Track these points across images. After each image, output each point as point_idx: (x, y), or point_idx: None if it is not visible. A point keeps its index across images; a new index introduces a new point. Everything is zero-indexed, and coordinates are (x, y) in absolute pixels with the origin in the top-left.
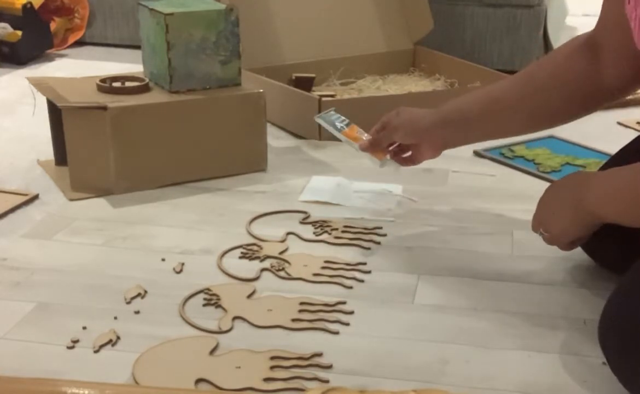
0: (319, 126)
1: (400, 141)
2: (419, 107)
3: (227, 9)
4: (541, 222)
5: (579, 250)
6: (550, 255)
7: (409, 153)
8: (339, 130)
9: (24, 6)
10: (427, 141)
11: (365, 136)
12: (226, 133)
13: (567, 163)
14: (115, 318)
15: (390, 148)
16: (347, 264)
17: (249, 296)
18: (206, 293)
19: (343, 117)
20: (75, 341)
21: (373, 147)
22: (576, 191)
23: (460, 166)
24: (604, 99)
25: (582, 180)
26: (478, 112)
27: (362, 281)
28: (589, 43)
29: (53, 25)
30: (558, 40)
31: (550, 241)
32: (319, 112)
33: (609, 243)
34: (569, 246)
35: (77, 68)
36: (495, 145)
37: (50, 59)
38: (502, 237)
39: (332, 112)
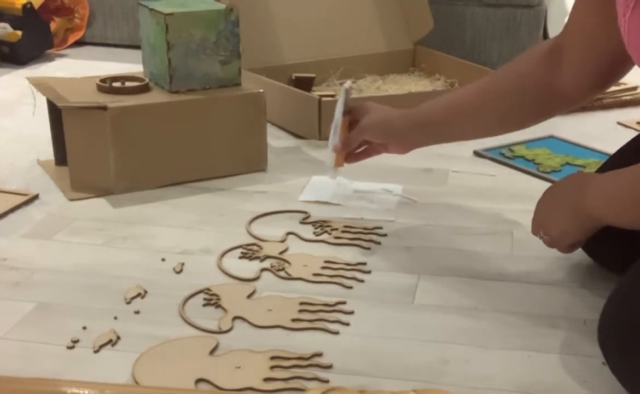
0: (319, 125)
1: (370, 139)
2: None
3: (227, 9)
4: (540, 225)
5: (578, 250)
6: (550, 255)
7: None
8: (342, 113)
9: (24, 6)
10: (396, 142)
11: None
12: (226, 133)
13: (567, 163)
14: (115, 318)
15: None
16: (347, 264)
17: (249, 296)
18: (206, 293)
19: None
20: (75, 341)
21: (345, 147)
22: (575, 194)
23: (460, 166)
24: (562, 106)
25: (581, 182)
26: (443, 117)
27: (362, 281)
28: (552, 49)
29: (53, 25)
30: None
31: (550, 243)
32: (319, 112)
33: (609, 243)
34: (569, 248)
35: (77, 68)
36: (495, 145)
37: (50, 59)
38: (502, 237)
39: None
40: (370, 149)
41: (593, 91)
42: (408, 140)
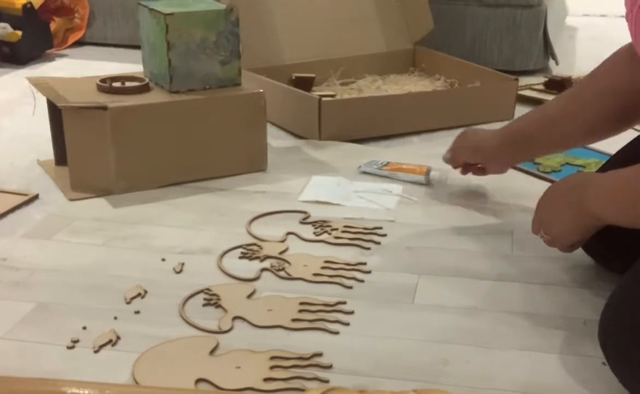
0: (319, 125)
1: (466, 160)
2: (483, 130)
3: (227, 9)
4: (541, 224)
5: (579, 250)
6: (550, 255)
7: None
8: (380, 168)
9: (24, 6)
10: (493, 161)
11: (405, 165)
12: (226, 133)
13: (567, 163)
14: (115, 318)
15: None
16: (347, 264)
17: (249, 296)
18: (206, 293)
19: (380, 161)
20: (75, 341)
21: (451, 161)
22: (575, 193)
23: None
24: None
25: (581, 182)
26: (536, 132)
27: (362, 281)
28: (630, 51)
29: (53, 25)
30: (558, 40)
31: (550, 243)
32: (319, 112)
33: (610, 243)
34: (569, 248)
35: (77, 68)
36: None
37: (50, 59)
38: (502, 237)
39: (373, 161)
40: (474, 171)
41: None
42: (504, 159)
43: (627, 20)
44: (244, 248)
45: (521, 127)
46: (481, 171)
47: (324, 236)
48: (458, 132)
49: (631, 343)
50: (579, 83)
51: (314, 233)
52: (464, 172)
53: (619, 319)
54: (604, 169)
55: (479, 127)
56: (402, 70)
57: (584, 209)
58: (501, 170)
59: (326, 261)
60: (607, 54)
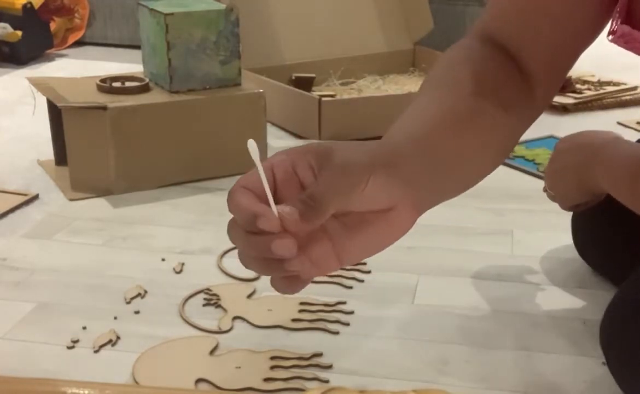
0: (319, 125)
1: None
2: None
3: (227, 9)
4: (548, 179)
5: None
6: (550, 255)
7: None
8: None
9: (24, 6)
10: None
11: None
12: (226, 133)
13: None
14: (115, 318)
15: None
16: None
17: (249, 296)
18: (206, 293)
19: None
20: (75, 341)
21: None
22: (584, 156)
23: None
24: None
25: (593, 150)
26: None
27: (362, 281)
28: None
29: (53, 25)
30: None
31: (553, 199)
32: (319, 112)
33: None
34: (571, 208)
35: (77, 68)
36: None
37: (50, 59)
38: (502, 237)
39: None
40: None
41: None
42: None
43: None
44: None
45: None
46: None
47: None
48: None
49: (633, 345)
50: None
51: None
52: None
53: (621, 322)
54: None
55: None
56: (402, 70)
57: (590, 176)
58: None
59: None
60: (607, 54)
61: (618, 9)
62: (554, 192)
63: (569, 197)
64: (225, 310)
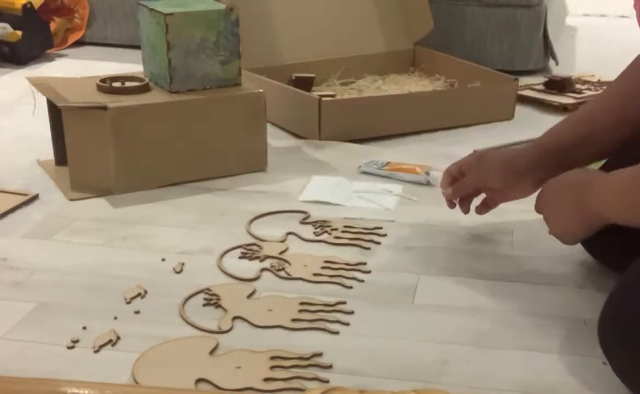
0: (319, 125)
1: (493, 185)
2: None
3: (227, 9)
4: (545, 220)
5: (579, 249)
6: (550, 255)
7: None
8: (380, 168)
9: (24, 6)
10: (524, 182)
11: (405, 165)
12: (226, 133)
13: None
14: (115, 318)
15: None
16: (347, 264)
17: (249, 296)
18: (206, 293)
19: (380, 161)
20: (75, 341)
21: (454, 195)
22: (579, 191)
23: None
24: None
25: (585, 180)
26: (572, 146)
27: (362, 281)
28: None
29: (53, 25)
30: (558, 40)
31: (554, 235)
32: (319, 112)
33: (611, 241)
34: (572, 243)
35: (77, 68)
36: (495, 145)
37: (50, 59)
38: (502, 237)
39: (373, 161)
40: (487, 201)
41: None
42: (538, 175)
43: (635, 8)
44: (244, 248)
45: (556, 142)
46: (487, 206)
47: (324, 236)
48: (458, 132)
49: (631, 341)
50: (605, 89)
51: (314, 233)
52: (466, 207)
53: (618, 318)
54: (604, 168)
55: (478, 127)
56: (402, 70)
57: (587, 208)
58: (527, 193)
59: (326, 261)
60: (607, 54)
61: None
62: (554, 232)
63: (571, 233)
64: (225, 310)
